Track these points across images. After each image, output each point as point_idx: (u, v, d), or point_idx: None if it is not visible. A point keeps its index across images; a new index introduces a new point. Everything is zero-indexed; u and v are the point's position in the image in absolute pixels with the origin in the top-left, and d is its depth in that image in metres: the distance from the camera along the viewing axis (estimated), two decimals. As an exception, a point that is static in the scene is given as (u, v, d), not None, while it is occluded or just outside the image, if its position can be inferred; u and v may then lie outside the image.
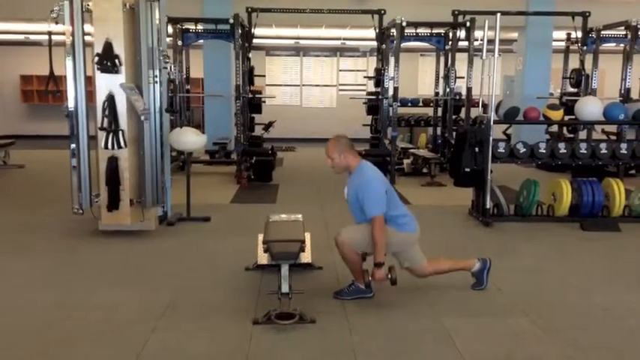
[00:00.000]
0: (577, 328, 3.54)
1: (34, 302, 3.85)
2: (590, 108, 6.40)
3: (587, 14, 9.51)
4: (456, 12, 9.44)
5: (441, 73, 10.30)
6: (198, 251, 5.10)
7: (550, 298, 4.05)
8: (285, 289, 3.61)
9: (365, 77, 13.89)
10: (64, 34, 5.01)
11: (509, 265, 4.80)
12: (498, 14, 5.97)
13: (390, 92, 8.87)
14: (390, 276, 3.72)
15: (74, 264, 4.74)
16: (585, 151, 6.18)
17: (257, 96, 9.98)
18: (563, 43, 10.74)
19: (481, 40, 6.21)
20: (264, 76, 12.93)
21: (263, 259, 4.28)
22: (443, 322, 3.56)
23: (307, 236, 4.20)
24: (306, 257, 4.36)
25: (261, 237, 4.20)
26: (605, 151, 6.18)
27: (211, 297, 3.97)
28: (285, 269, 3.64)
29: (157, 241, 5.35)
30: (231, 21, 8.68)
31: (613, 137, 9.20)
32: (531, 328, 3.51)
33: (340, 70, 16.31)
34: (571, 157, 6.22)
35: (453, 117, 9.78)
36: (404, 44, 8.90)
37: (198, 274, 4.46)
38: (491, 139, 5.95)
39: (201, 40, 10.47)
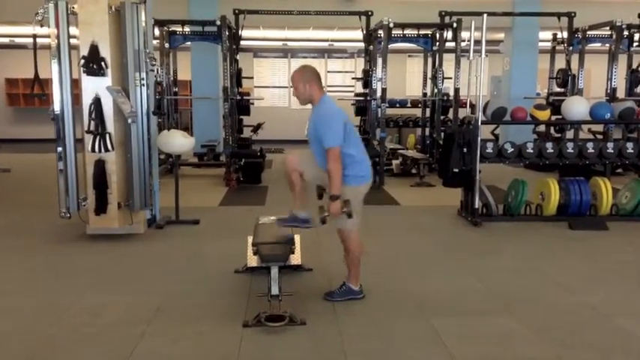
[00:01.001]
0: (565, 328, 3.56)
1: (20, 307, 3.80)
2: (576, 108, 6.45)
3: (573, 15, 9.58)
4: (443, 13, 9.47)
5: (429, 74, 10.32)
6: (188, 254, 5.07)
7: (539, 297, 4.07)
8: (275, 291, 3.60)
9: (353, 78, 13.91)
10: (49, 36, 4.97)
11: (497, 265, 4.82)
12: (485, 15, 6.01)
13: (379, 93, 8.88)
14: (344, 209, 3.67)
15: (61, 268, 4.69)
16: (572, 151, 6.22)
17: (245, 98, 9.97)
18: (549, 44, 10.82)
19: (468, 40, 6.24)
20: (252, 77, 12.92)
21: (253, 261, 4.27)
22: (432, 322, 3.56)
23: (297, 238, 4.19)
24: (295, 259, 4.35)
25: (250, 239, 4.19)
26: (592, 151, 6.22)
27: (201, 300, 3.95)
28: (274, 271, 3.63)
29: (146, 245, 5.31)
30: (218, 23, 8.66)
31: (600, 136, 9.27)
32: (520, 328, 3.52)
33: (328, 72, 16.31)
34: (558, 156, 6.26)
35: (441, 117, 9.81)
36: (391, 45, 8.92)
37: (187, 277, 4.43)
38: (479, 139, 5.98)
39: (189, 42, 10.44)
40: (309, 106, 3.87)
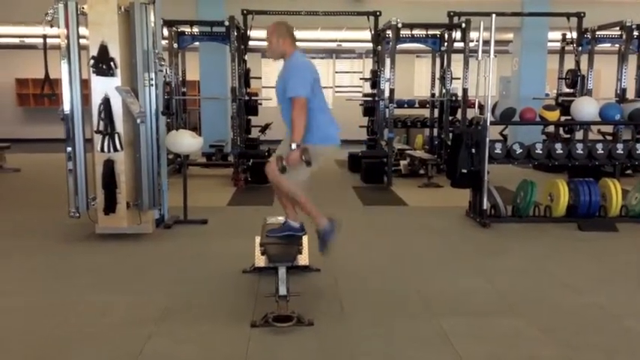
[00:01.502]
0: (573, 328, 3.54)
1: (29, 306, 3.83)
2: (586, 108, 6.41)
3: (582, 15, 9.53)
4: (452, 13, 9.45)
5: (437, 75, 10.30)
6: (196, 254, 5.09)
7: (547, 298, 4.05)
8: (282, 291, 3.60)
9: (361, 79, 13.90)
10: (59, 37, 5.00)
11: (506, 266, 4.81)
12: (494, 15, 5.99)
13: (387, 94, 8.88)
14: (303, 158, 3.66)
15: (70, 268, 4.72)
16: (582, 152, 6.19)
17: (253, 98, 9.98)
18: (558, 44, 10.77)
19: (477, 41, 6.22)
20: (260, 78, 12.92)
21: (260, 261, 4.27)
22: (440, 322, 3.55)
23: (304, 238, 4.19)
24: (303, 259, 4.35)
25: (258, 239, 4.20)
26: (602, 152, 6.18)
27: (209, 300, 3.96)
28: (282, 272, 3.63)
29: (154, 244, 5.33)
30: (227, 23, 8.69)
31: (609, 137, 9.22)
32: (528, 328, 3.51)
33: (336, 72, 16.32)
34: (567, 157, 6.22)
35: (450, 118, 9.79)
36: (399, 46, 8.91)
37: (195, 277, 4.44)
38: (487, 140, 5.96)
39: (197, 43, 10.47)
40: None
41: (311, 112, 3.73)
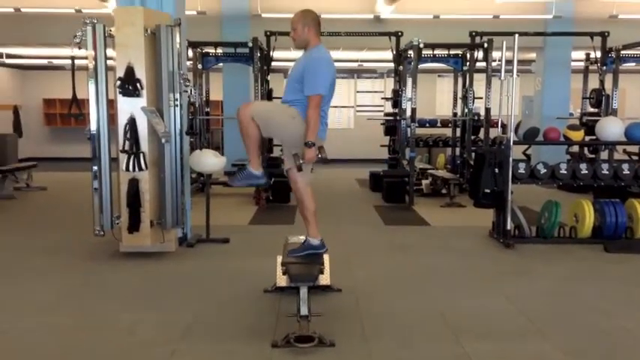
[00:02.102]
0: (601, 353, 3.47)
1: (55, 324, 3.87)
2: (611, 128, 6.33)
3: (606, 34, 9.45)
4: (474, 33, 9.45)
5: (459, 94, 10.28)
6: (218, 273, 5.10)
7: (573, 321, 3.98)
8: (304, 311, 3.59)
9: (382, 98, 13.93)
10: (86, 58, 5.11)
11: (531, 288, 4.73)
12: (516, 35, 5.96)
13: (408, 113, 8.87)
14: (320, 155, 3.62)
15: (95, 285, 4.77)
16: (607, 172, 6.10)
17: (275, 118, 10.02)
18: (582, 63, 10.68)
19: (499, 60, 6.20)
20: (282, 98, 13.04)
21: (282, 281, 4.27)
22: (464, 346, 3.50)
23: (326, 258, 4.18)
24: (324, 279, 4.34)
25: (279, 259, 4.20)
26: (628, 172, 6.09)
27: (230, 319, 3.96)
28: (304, 291, 3.63)
29: (177, 263, 5.37)
30: (250, 44, 8.79)
31: (635, 157, 9.08)
32: (554, 353, 3.45)
33: (357, 92, 16.37)
34: (593, 177, 6.14)
35: (472, 137, 9.74)
36: (421, 65, 8.92)
37: (217, 295, 4.46)
38: (511, 159, 5.91)
39: (221, 64, 10.60)
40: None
41: (321, 107, 3.75)
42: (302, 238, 4.34)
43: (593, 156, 9.58)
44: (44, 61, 14.55)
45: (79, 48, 5.10)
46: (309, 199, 3.95)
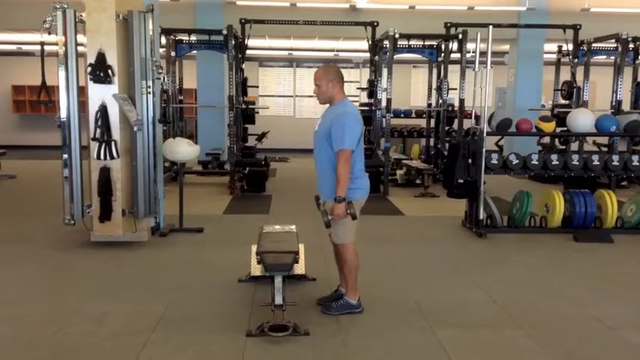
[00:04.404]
0: (571, 340, 3.53)
1: (23, 315, 3.80)
2: (582, 120, 6.44)
3: (578, 27, 9.59)
4: (449, 24, 9.49)
5: (434, 85, 10.34)
6: (191, 263, 5.06)
7: (544, 309, 4.05)
8: (278, 300, 3.59)
9: (358, 88, 13.93)
10: (56, 44, 5.00)
11: (502, 277, 4.80)
12: (490, 27, 6.01)
13: (383, 103, 8.90)
14: (349, 211, 3.63)
15: (65, 275, 4.70)
16: (577, 163, 6.21)
17: (250, 107, 9.98)
18: (554, 56, 10.83)
19: (473, 52, 6.24)
20: (257, 87, 12.95)
21: (256, 270, 4.26)
22: (437, 334, 3.54)
23: (301, 247, 4.18)
24: (299, 269, 4.34)
25: (254, 248, 4.18)
26: (598, 163, 6.20)
27: (204, 309, 3.94)
28: (278, 281, 3.62)
29: (150, 253, 5.31)
30: (225, 32, 8.70)
31: (605, 149, 9.25)
32: (525, 341, 3.50)
33: (333, 82, 16.34)
34: (563, 168, 6.25)
35: (446, 128, 9.81)
36: (396, 56, 8.94)
37: (190, 285, 4.42)
38: (484, 150, 5.97)
39: (195, 51, 10.48)
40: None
41: (353, 164, 3.69)
42: (277, 227, 4.34)
43: (563, 147, 9.74)
44: (13, 47, 14.23)
45: (49, 33, 5.00)
46: (352, 257, 3.83)
